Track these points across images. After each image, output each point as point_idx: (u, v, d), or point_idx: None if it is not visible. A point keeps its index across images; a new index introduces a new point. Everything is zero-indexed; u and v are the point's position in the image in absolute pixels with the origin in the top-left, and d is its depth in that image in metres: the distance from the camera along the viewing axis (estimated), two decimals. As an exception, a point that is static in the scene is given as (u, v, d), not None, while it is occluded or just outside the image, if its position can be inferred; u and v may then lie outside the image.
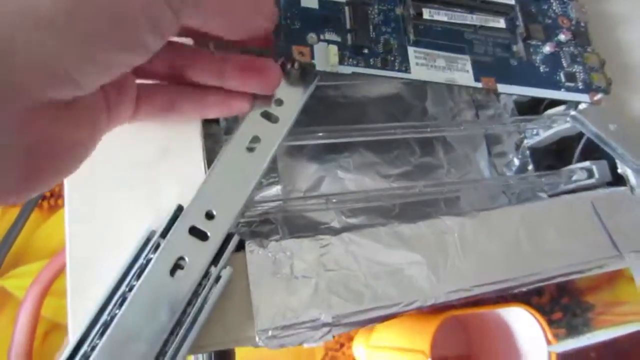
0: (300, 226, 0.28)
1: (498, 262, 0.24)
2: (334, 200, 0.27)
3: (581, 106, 0.28)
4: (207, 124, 0.25)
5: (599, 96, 0.27)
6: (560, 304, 0.44)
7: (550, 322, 0.43)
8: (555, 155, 0.36)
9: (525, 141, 0.35)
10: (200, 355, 0.21)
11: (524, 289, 0.26)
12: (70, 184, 0.20)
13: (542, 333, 0.29)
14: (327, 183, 0.30)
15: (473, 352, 0.37)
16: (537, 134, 0.35)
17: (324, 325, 0.21)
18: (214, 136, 0.25)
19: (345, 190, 0.30)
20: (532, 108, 0.35)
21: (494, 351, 0.34)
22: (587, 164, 0.32)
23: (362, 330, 0.37)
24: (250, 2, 0.20)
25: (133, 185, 0.21)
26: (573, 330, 0.43)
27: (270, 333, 0.20)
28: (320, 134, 0.28)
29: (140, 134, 0.21)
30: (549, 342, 0.29)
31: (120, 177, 0.21)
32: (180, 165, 0.22)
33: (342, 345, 0.36)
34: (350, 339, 0.37)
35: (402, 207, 0.31)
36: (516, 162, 0.35)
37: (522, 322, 0.30)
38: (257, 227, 0.28)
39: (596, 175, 0.31)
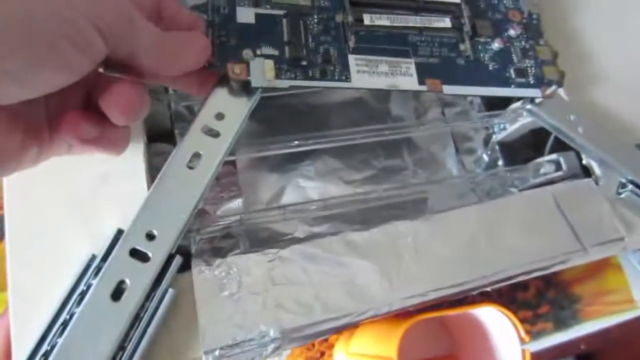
0: (263, 239, 0.28)
1: (455, 264, 0.24)
2: (292, 210, 0.27)
3: (537, 99, 0.28)
4: (155, 143, 0.25)
5: (551, 90, 0.26)
6: (547, 297, 0.43)
7: (537, 316, 0.42)
8: (533, 149, 0.36)
9: (494, 137, 0.35)
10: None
11: (487, 289, 0.26)
12: (10, 213, 0.20)
13: (515, 331, 0.29)
14: (289, 193, 0.30)
15: (457, 352, 0.37)
16: (504, 129, 0.34)
17: (273, 340, 0.20)
18: (164, 155, 0.25)
19: (307, 199, 0.30)
20: (502, 103, 0.35)
21: (473, 350, 0.34)
22: (554, 156, 0.31)
23: (342, 338, 0.37)
24: (183, 38, 0.20)
25: (74, 212, 0.21)
26: (561, 323, 0.43)
27: (217, 353, 0.20)
28: (280, 144, 0.28)
29: (81, 158, 0.21)
30: (521, 340, 0.29)
31: (61, 204, 0.21)
32: (123, 188, 0.22)
33: (322, 353, 0.36)
34: (331, 347, 0.37)
35: (367, 212, 0.30)
36: (485, 158, 0.35)
37: (495, 322, 0.30)
38: (218, 242, 0.28)
39: (564, 167, 0.30)
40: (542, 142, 0.34)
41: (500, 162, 0.35)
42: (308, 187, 0.30)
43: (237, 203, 0.29)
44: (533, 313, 0.42)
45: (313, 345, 0.36)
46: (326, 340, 0.37)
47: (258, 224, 0.28)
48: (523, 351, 0.29)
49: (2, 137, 0.17)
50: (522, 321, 0.43)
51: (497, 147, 0.35)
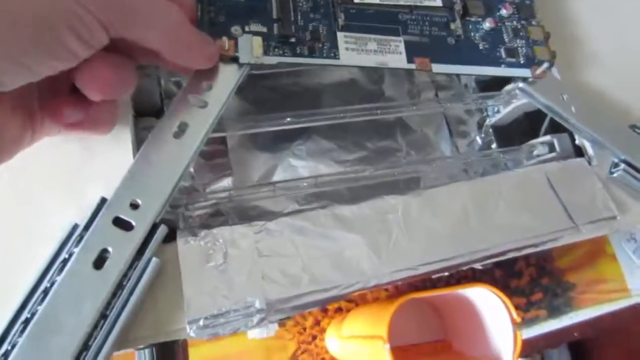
0: (252, 216, 0.28)
1: (445, 239, 0.23)
2: (281, 188, 0.26)
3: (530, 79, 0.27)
4: (143, 117, 0.25)
5: (541, 69, 0.26)
6: (541, 284, 0.43)
7: (531, 303, 0.42)
8: (527, 135, 0.36)
9: (488, 120, 0.35)
10: (142, 352, 0.21)
11: (478, 265, 0.26)
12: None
13: (507, 312, 0.29)
14: (280, 172, 0.30)
15: (449, 336, 0.36)
16: (498, 112, 0.34)
17: (259, 311, 0.20)
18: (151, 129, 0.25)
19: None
20: (497, 86, 0.35)
21: (465, 333, 0.33)
22: (547, 137, 0.31)
23: (334, 322, 0.37)
24: (198, 38, 0.21)
25: (59, 182, 0.21)
26: (555, 311, 0.42)
27: (201, 323, 0.19)
28: (271, 122, 0.28)
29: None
30: (513, 321, 0.28)
31: (46, 174, 0.21)
32: (109, 159, 0.22)
33: (314, 337, 0.36)
34: (323, 330, 0.37)
35: (358, 191, 0.30)
36: (479, 141, 0.35)
37: (487, 303, 0.30)
38: (207, 219, 0.28)
39: (557, 148, 0.30)
40: (536, 127, 0.34)
41: (494, 146, 0.34)
42: (299, 166, 0.30)
43: (227, 181, 0.29)
44: (526, 300, 0.42)
45: (304, 329, 0.36)
46: (318, 324, 0.37)
47: (247, 201, 0.27)
48: (515, 332, 0.28)
49: (7, 121, 0.17)
50: (515, 308, 0.43)
51: (490, 130, 0.35)
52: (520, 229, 0.25)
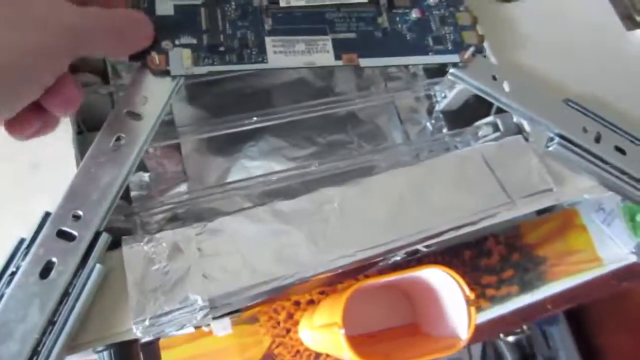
0: (207, 219, 0.29)
1: (382, 225, 0.24)
2: (233, 188, 0.28)
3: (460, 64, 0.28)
4: (92, 132, 0.26)
5: (468, 53, 0.27)
6: (511, 261, 0.44)
7: (502, 281, 0.43)
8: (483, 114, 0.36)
9: (437, 106, 0.36)
10: (101, 355, 0.22)
11: (420, 247, 0.27)
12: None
13: (460, 291, 0.30)
14: (233, 174, 0.31)
15: (419, 320, 0.37)
16: (445, 97, 0.35)
17: (202, 308, 0.21)
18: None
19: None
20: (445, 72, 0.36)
21: (431, 315, 0.35)
22: (491, 118, 0.32)
23: (306, 314, 0.38)
24: (135, 27, 0.22)
25: (3, 199, 0.22)
26: (527, 286, 0.43)
27: (147, 322, 0.21)
28: (222, 125, 0.29)
29: (12, 147, 0.22)
30: (466, 298, 0.29)
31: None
32: (54, 175, 0.23)
33: (288, 330, 0.37)
34: (296, 323, 0.38)
35: (311, 185, 0.31)
36: (429, 127, 0.36)
37: (444, 283, 0.31)
38: (165, 224, 0.29)
39: (501, 128, 0.31)
40: (488, 108, 0.35)
41: (444, 130, 0.35)
42: (252, 167, 0.31)
43: (183, 187, 0.30)
44: (497, 278, 0.43)
45: (278, 323, 0.37)
46: (291, 317, 0.38)
47: (202, 203, 0.29)
48: (468, 308, 0.29)
49: None
50: (486, 286, 0.44)
51: (440, 115, 0.36)
52: (457, 209, 0.26)
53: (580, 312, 0.62)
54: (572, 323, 0.62)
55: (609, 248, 0.46)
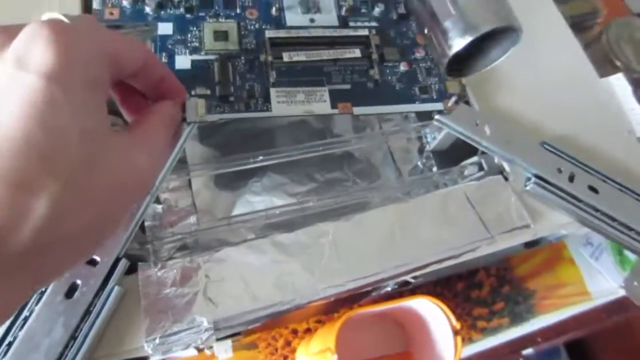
0: (213, 249, 0.32)
1: (371, 257, 0.27)
2: (237, 221, 0.30)
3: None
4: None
5: (451, 102, 0.30)
6: (501, 293, 0.46)
7: (493, 313, 0.45)
8: (468, 155, 0.39)
9: (427, 146, 0.39)
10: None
11: (408, 278, 0.29)
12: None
13: (447, 321, 0.32)
14: (238, 207, 0.34)
15: (411, 348, 0.39)
16: (435, 138, 0.38)
17: (207, 329, 0.24)
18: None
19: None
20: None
21: (421, 344, 0.36)
22: (475, 158, 0.35)
23: (303, 342, 0.40)
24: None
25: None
26: (517, 318, 0.45)
27: (157, 341, 0.23)
28: (229, 163, 0.32)
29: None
30: (453, 328, 0.31)
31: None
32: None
33: (286, 357, 0.39)
34: (294, 351, 0.40)
35: (309, 220, 0.34)
36: (420, 166, 0.39)
37: (431, 313, 0.33)
38: (175, 253, 0.32)
39: (485, 167, 0.34)
40: (475, 148, 0.38)
41: (434, 169, 0.38)
42: (256, 201, 0.34)
43: (192, 219, 0.33)
44: (489, 310, 0.45)
45: (276, 349, 0.39)
46: (289, 344, 0.40)
47: (209, 234, 0.31)
48: (455, 338, 0.31)
49: None
50: (477, 318, 0.46)
51: (431, 155, 0.38)
52: (441, 243, 0.28)
53: (581, 344, 0.62)
54: (573, 355, 0.62)
55: (598, 282, 0.47)
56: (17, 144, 0.15)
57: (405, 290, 0.41)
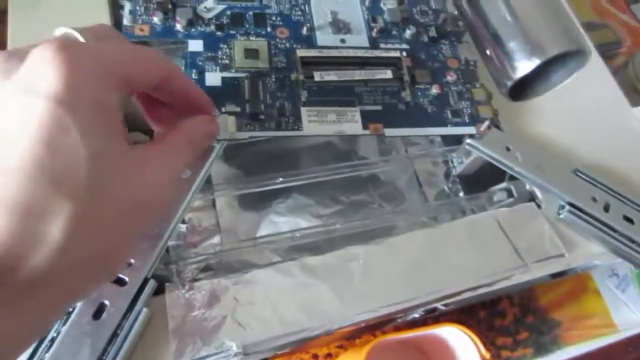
0: (237, 269, 0.31)
1: (402, 282, 0.26)
2: (262, 242, 0.30)
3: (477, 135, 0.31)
4: (133, 132, 0.28)
5: (484, 126, 0.30)
6: (525, 323, 0.44)
7: (517, 343, 0.43)
8: (495, 180, 0.39)
9: (454, 170, 0.38)
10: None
11: (439, 306, 0.28)
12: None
13: (475, 350, 0.31)
14: (263, 228, 0.33)
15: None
16: (462, 162, 0.37)
17: (236, 354, 0.23)
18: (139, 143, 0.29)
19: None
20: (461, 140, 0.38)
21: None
22: (505, 184, 0.34)
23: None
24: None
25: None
26: (541, 349, 0.44)
27: (185, 364, 0.22)
28: (255, 184, 0.32)
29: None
30: (482, 357, 0.30)
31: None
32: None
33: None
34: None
35: (335, 242, 0.33)
36: (447, 190, 0.38)
37: (459, 341, 0.32)
38: (198, 274, 0.31)
39: (515, 194, 0.33)
40: (503, 173, 0.37)
41: (461, 194, 0.37)
42: (280, 222, 0.34)
43: (216, 239, 0.33)
44: (512, 339, 0.43)
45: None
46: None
47: (233, 255, 0.31)
48: (484, 368, 0.30)
49: None
50: (501, 347, 0.45)
51: (457, 179, 0.38)
52: (474, 270, 0.27)
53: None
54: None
55: (624, 314, 0.46)
56: (27, 169, 0.15)
57: (429, 317, 0.40)
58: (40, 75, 0.15)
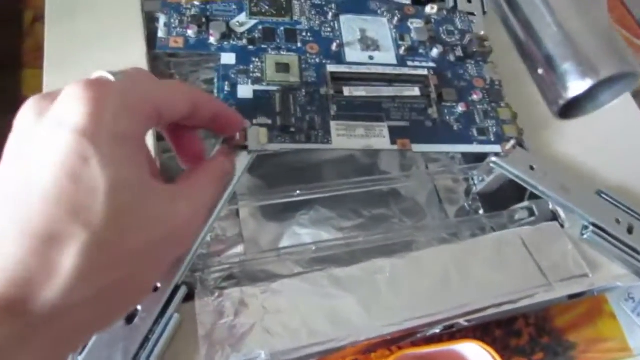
0: (261, 279, 0.31)
1: (428, 296, 0.26)
2: (285, 253, 0.30)
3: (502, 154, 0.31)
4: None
5: (510, 145, 0.30)
6: (541, 344, 0.44)
7: (532, 364, 0.43)
8: (514, 199, 0.39)
9: (474, 188, 0.39)
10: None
11: (462, 321, 0.28)
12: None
13: (496, 367, 0.31)
14: (285, 239, 0.34)
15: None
16: (482, 180, 0.38)
17: (264, 362, 0.23)
18: (170, 152, 0.29)
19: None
20: (482, 158, 0.39)
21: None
22: (527, 203, 0.34)
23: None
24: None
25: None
26: (557, 371, 0.43)
27: (214, 371, 0.23)
28: (278, 195, 0.32)
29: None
30: (503, 376, 0.30)
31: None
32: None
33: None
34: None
35: (356, 255, 0.33)
36: (467, 207, 0.38)
37: (478, 357, 0.32)
38: (222, 282, 0.31)
39: (536, 213, 0.34)
40: (522, 192, 0.37)
41: (481, 212, 0.38)
42: (303, 233, 0.34)
43: (239, 248, 0.33)
44: (528, 359, 0.43)
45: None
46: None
47: (256, 265, 0.31)
48: (505, 386, 0.30)
49: None
50: (517, 367, 0.44)
51: (477, 197, 0.38)
52: (498, 287, 0.28)
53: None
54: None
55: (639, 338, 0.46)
56: (48, 196, 0.15)
57: (445, 334, 0.40)
58: (69, 109, 0.16)
